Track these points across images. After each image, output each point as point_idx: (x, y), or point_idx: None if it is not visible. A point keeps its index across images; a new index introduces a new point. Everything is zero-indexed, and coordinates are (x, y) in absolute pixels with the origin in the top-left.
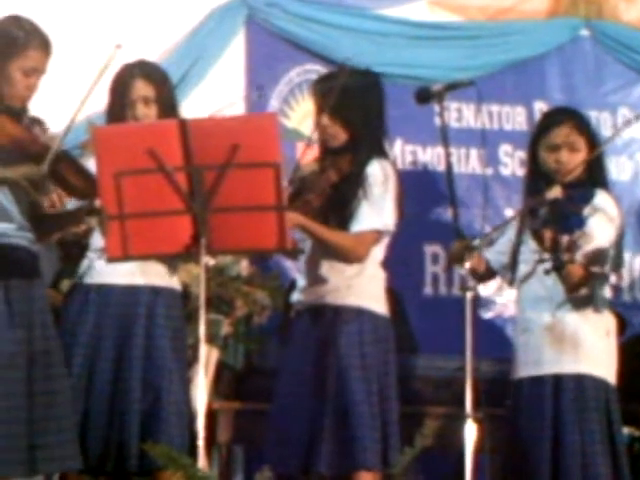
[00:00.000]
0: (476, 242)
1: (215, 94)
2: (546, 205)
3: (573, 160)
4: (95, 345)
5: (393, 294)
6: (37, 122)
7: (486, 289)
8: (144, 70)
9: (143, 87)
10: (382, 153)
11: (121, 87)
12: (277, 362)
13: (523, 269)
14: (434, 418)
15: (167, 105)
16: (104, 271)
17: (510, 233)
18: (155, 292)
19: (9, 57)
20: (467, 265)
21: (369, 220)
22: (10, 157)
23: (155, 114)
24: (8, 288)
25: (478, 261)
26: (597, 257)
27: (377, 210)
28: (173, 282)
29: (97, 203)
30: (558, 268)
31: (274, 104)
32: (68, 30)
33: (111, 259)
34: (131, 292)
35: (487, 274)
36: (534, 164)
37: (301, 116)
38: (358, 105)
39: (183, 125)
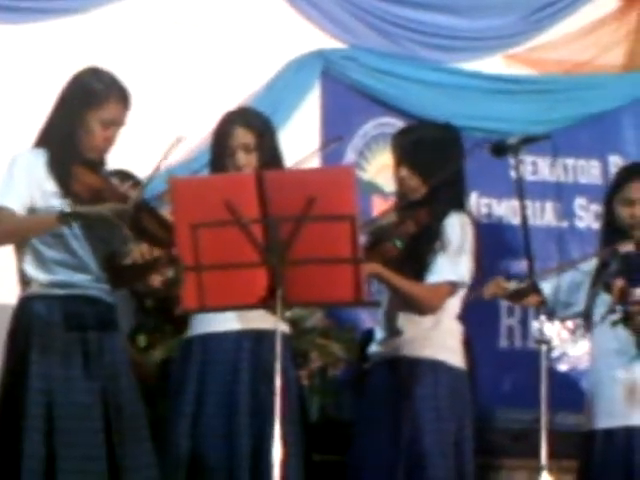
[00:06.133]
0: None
1: (290, 146)
2: (617, 258)
3: None
4: (201, 395)
5: (469, 347)
6: (124, 175)
7: (561, 342)
8: (244, 118)
9: (243, 135)
10: (461, 206)
11: (222, 135)
12: (352, 414)
13: (596, 320)
14: (510, 470)
15: (269, 153)
16: (205, 320)
17: (578, 277)
18: (259, 336)
19: (88, 109)
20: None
21: (444, 272)
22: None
23: (256, 162)
24: (85, 340)
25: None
26: None
27: (453, 263)
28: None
29: (174, 253)
30: (625, 320)
31: (350, 156)
32: (147, 81)
33: (186, 310)
34: (234, 338)
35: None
36: (609, 218)
37: (377, 169)
38: (438, 158)
39: (260, 177)
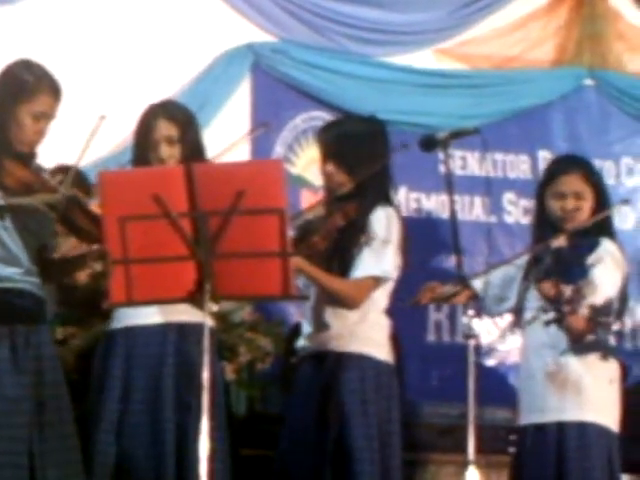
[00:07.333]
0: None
1: (220, 140)
2: (549, 254)
3: (579, 209)
4: (126, 388)
5: (396, 341)
6: (67, 170)
7: (489, 336)
8: (167, 110)
9: (166, 127)
10: (387, 200)
11: (145, 127)
12: (280, 408)
13: (528, 315)
14: (437, 465)
15: (192, 146)
16: (129, 313)
17: (511, 271)
18: (183, 329)
19: (19, 101)
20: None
21: (368, 267)
22: None
23: (179, 154)
24: (13, 334)
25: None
26: (603, 307)
27: (377, 257)
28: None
29: (104, 248)
30: (559, 321)
31: (279, 150)
32: (76, 73)
33: (114, 304)
34: (158, 331)
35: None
36: (541, 212)
37: (305, 163)
38: (363, 152)
39: (189, 170)
